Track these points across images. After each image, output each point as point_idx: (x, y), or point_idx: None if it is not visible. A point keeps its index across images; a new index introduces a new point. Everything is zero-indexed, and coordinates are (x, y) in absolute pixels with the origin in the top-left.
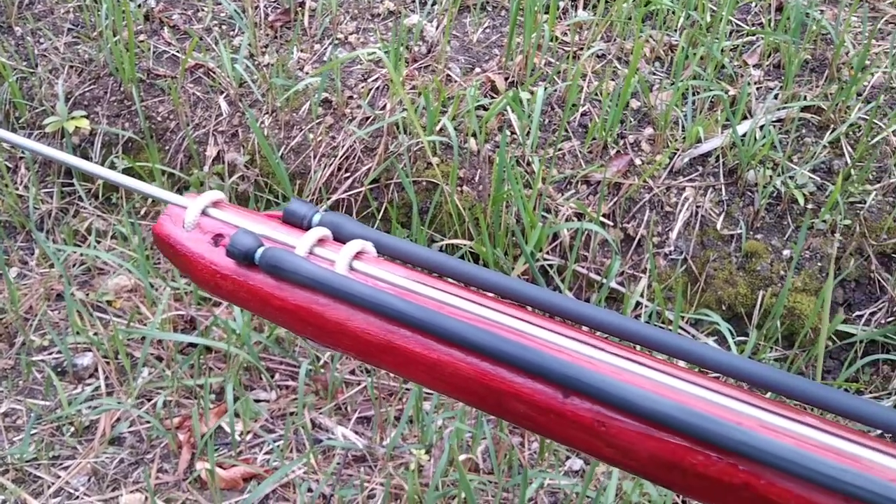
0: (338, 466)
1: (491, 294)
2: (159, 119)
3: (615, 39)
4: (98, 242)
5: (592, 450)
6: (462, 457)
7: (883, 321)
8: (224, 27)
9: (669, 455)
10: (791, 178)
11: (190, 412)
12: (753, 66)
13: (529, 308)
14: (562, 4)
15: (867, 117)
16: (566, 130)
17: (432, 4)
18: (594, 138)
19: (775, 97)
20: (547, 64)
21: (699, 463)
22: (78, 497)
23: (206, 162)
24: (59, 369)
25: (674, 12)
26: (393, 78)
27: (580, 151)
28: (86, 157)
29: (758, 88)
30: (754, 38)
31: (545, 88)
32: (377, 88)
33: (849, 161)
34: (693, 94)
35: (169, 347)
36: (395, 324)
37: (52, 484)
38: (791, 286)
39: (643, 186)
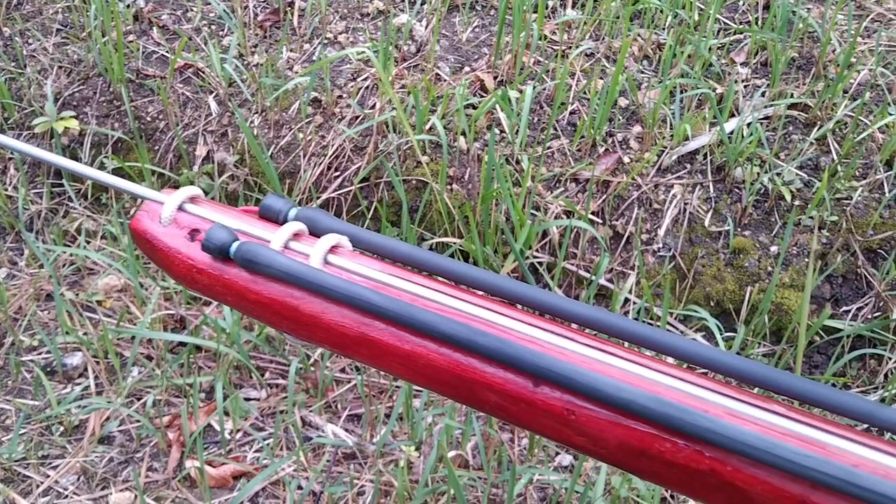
0: (327, 464)
1: (464, 286)
2: (149, 119)
3: (604, 38)
4: (88, 242)
5: (563, 438)
6: (452, 453)
7: (870, 316)
8: (213, 27)
9: (637, 442)
10: (778, 174)
11: (180, 411)
12: (741, 64)
13: (507, 302)
14: (550, 3)
15: (853, 114)
16: (555, 129)
17: (421, 4)
18: (583, 136)
19: (762, 95)
20: (536, 63)
21: (667, 450)
22: (67, 496)
23: (195, 162)
24: (48, 369)
25: (662, 11)
26: (382, 77)
27: (569, 150)
28: (75, 157)
29: (745, 86)
30: (742, 36)
31: (534, 87)
32: (367, 88)
33: (835, 157)
34: (681, 92)
35: (159, 347)
36: (369, 316)
37: (41, 483)
38: (778, 282)
39: (632, 184)
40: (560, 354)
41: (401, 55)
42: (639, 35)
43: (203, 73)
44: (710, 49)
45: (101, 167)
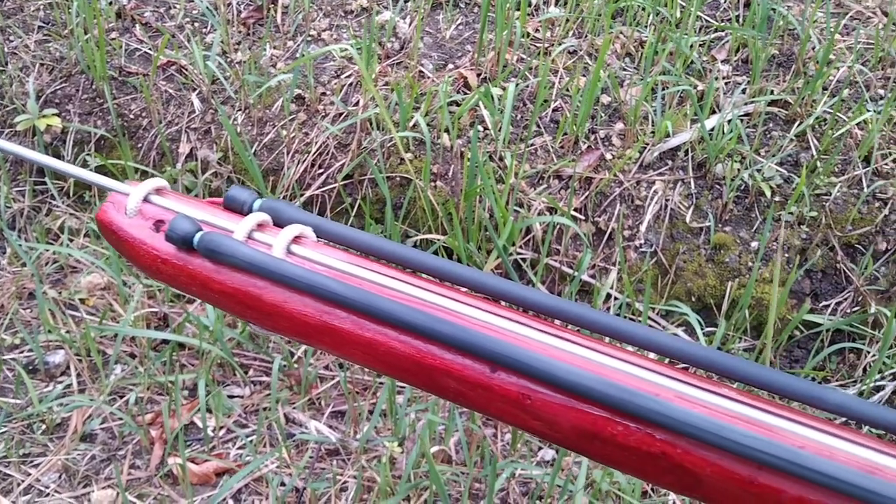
0: (310, 460)
1: (427, 275)
2: (132, 117)
3: (586, 36)
4: (71, 240)
5: (520, 423)
6: (434, 448)
7: (848, 310)
8: (196, 24)
9: (590, 426)
10: (758, 170)
11: (162, 408)
12: (722, 61)
13: (467, 290)
14: (533, 1)
15: (832, 111)
16: (538, 126)
17: (405, 1)
18: (565, 133)
19: (743, 91)
20: (519, 60)
21: (619, 433)
22: (49, 494)
23: (178, 159)
24: (30, 367)
25: (644, 8)
26: (364, 75)
27: (552, 146)
28: (57, 155)
29: (726, 83)
30: (723, 33)
31: (517, 84)
32: (350, 85)
33: (815, 154)
34: (662, 90)
35: (142, 344)
36: (331, 305)
37: (22, 482)
38: (758, 277)
39: (614, 181)
40: (516, 340)
41: (384, 52)
42: (621, 32)
43: (186, 70)
44: (691, 46)
45: (84, 165)
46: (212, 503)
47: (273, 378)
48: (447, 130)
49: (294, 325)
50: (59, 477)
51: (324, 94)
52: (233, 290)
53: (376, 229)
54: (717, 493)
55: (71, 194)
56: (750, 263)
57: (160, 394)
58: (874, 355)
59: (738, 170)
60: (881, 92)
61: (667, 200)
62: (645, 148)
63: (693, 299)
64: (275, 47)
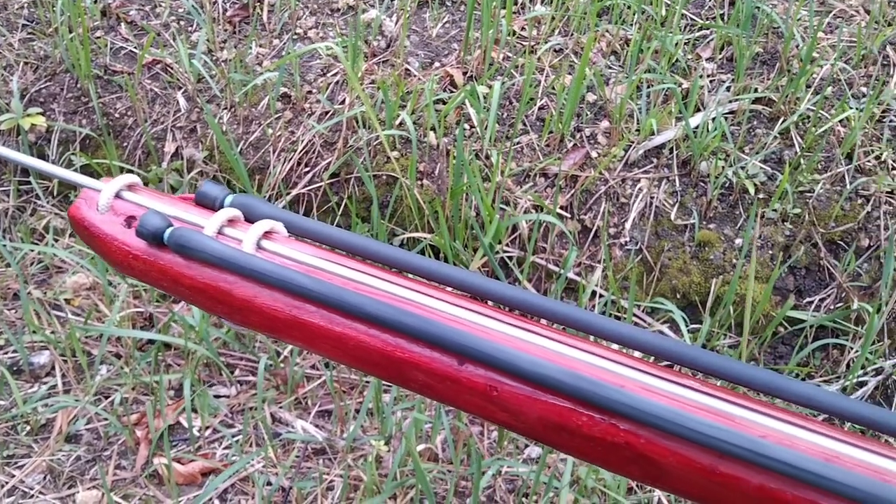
0: (297, 459)
1: (401, 271)
2: (117, 115)
3: (572, 34)
4: (56, 240)
5: (488, 415)
6: (421, 447)
7: (832, 307)
8: (182, 23)
9: (556, 417)
10: (742, 168)
11: (147, 408)
12: (707, 59)
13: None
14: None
15: (815, 108)
16: (524, 124)
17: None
18: (551, 132)
19: (727, 89)
20: (505, 59)
21: (583, 424)
22: (33, 496)
23: (164, 158)
24: (14, 368)
25: (629, 6)
26: (349, 73)
27: (538, 145)
28: (42, 154)
29: (710, 81)
30: (708, 31)
31: (503, 83)
32: (336, 83)
33: (798, 151)
34: (647, 88)
35: (127, 344)
36: (300, 300)
37: (6, 483)
38: (742, 274)
39: (599, 178)
40: (484, 333)
41: (370, 50)
42: (606, 31)
43: (171, 68)
44: (676, 44)
45: (70, 164)
46: (198, 503)
47: (259, 377)
48: (433, 129)
49: (264, 319)
50: (44, 478)
51: (310, 92)
52: (203, 285)
53: (363, 228)
54: (681, 482)
55: (55, 194)
56: (734, 260)
57: (146, 394)
58: (857, 351)
59: (723, 167)
60: (864, 90)
61: (652, 198)
62: (630, 146)
63: (678, 296)
64: (261, 45)
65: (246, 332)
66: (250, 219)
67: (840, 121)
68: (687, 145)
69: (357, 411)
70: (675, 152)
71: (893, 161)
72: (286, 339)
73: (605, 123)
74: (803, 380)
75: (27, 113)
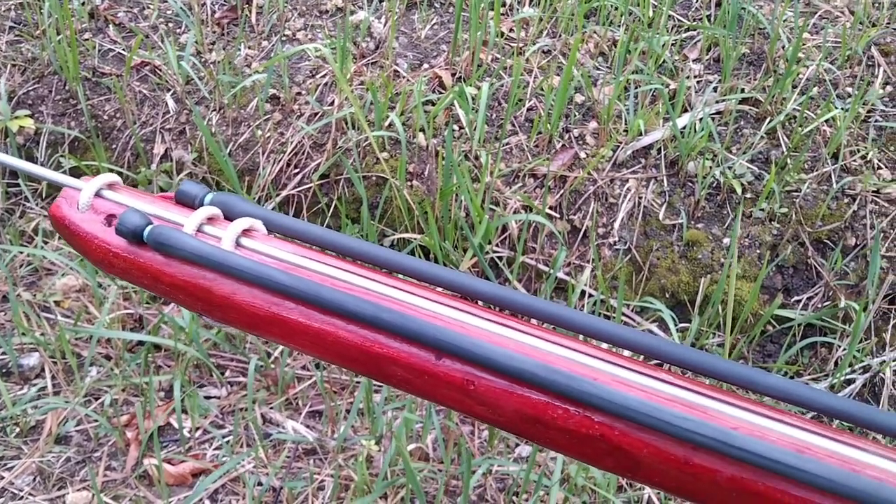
0: (287, 459)
1: (373, 266)
2: (105, 118)
3: (560, 35)
4: (45, 243)
5: (465, 408)
6: (412, 446)
7: (819, 305)
8: (170, 24)
9: (532, 410)
10: (730, 168)
11: (136, 409)
12: (693, 60)
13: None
14: (507, 1)
15: (801, 108)
16: (512, 125)
17: (380, 1)
18: (540, 132)
19: (714, 90)
20: (493, 60)
21: (559, 416)
22: (22, 497)
23: (153, 160)
24: (3, 370)
25: (616, 8)
26: (338, 75)
27: (526, 145)
28: (31, 157)
29: (697, 82)
30: (695, 32)
31: (491, 84)
32: (325, 84)
33: (785, 151)
34: (635, 88)
35: (117, 346)
36: (279, 296)
37: None
38: (730, 273)
39: (588, 179)
40: (461, 328)
41: (359, 52)
42: (594, 32)
43: (160, 70)
44: (663, 45)
45: (58, 166)
46: (188, 503)
47: (250, 378)
48: (422, 130)
49: (243, 316)
50: (34, 480)
51: (299, 93)
52: (183, 283)
53: (353, 229)
54: (656, 474)
55: (44, 196)
56: (722, 259)
57: (136, 395)
58: (844, 349)
59: (710, 167)
60: (849, 90)
61: (640, 198)
62: (618, 146)
63: (667, 295)
64: (249, 47)
65: (236, 332)
66: (230, 217)
67: (826, 121)
68: (674, 145)
69: (348, 411)
70: (662, 152)
71: (879, 160)
72: (266, 336)
73: (593, 124)
74: (791, 377)
75: (15, 115)
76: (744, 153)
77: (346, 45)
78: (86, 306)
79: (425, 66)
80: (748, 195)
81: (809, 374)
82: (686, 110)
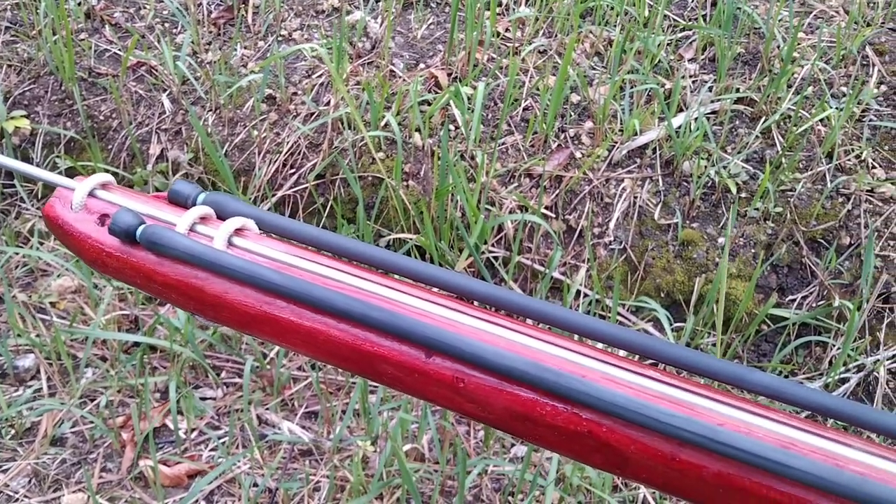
0: (283, 460)
1: (372, 267)
2: (101, 118)
3: (556, 35)
4: (41, 244)
5: (455, 406)
6: (407, 447)
7: (814, 304)
8: (167, 25)
9: (521, 407)
10: (725, 167)
11: (132, 411)
12: (689, 59)
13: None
14: (503, 1)
15: (796, 108)
16: (508, 125)
17: (376, 1)
18: (535, 132)
19: (709, 90)
20: (489, 60)
21: (547, 413)
22: (18, 499)
23: (149, 160)
24: None
25: (612, 8)
26: (334, 75)
27: (522, 145)
28: (27, 157)
29: (693, 81)
30: (690, 32)
31: (487, 84)
32: (321, 84)
33: (780, 150)
34: (630, 88)
35: (113, 347)
36: (271, 295)
37: None
38: (727, 271)
39: (583, 179)
40: (450, 326)
41: (355, 52)
42: (590, 32)
43: (156, 71)
44: (658, 45)
45: (54, 167)
46: None
47: (245, 379)
48: (418, 130)
49: (235, 315)
50: (29, 481)
51: (295, 93)
52: (175, 282)
53: (349, 229)
54: (643, 470)
55: (40, 197)
56: (717, 259)
57: (131, 396)
58: (839, 348)
59: (705, 167)
60: (843, 89)
61: (635, 198)
62: (614, 146)
63: (662, 295)
64: (245, 47)
65: (232, 334)
66: (222, 216)
67: (820, 120)
68: (670, 145)
69: (343, 412)
70: (658, 152)
71: (873, 160)
72: (258, 335)
73: (588, 124)
74: (786, 377)
75: (11, 116)
76: (739, 153)
77: (343, 45)
78: (81, 307)
79: (421, 66)
80: (743, 194)
81: (804, 374)
82: (681, 110)
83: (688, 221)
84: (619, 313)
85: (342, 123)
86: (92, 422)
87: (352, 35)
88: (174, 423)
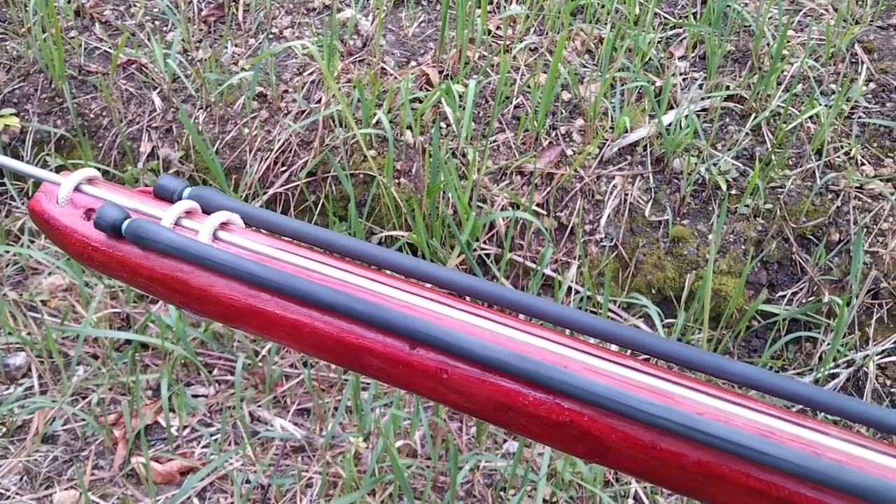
0: (275, 457)
1: (353, 259)
2: (92, 116)
3: (547, 33)
4: (31, 242)
5: (439, 397)
6: (399, 443)
7: (804, 300)
8: (157, 23)
9: (504, 397)
10: (715, 164)
11: (123, 408)
12: (679, 57)
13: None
14: None
15: (785, 105)
16: (500, 122)
17: None
18: (527, 130)
19: (700, 87)
20: (481, 57)
21: (530, 403)
22: (9, 497)
23: (140, 158)
24: None
25: (603, 6)
26: (325, 72)
27: (514, 143)
28: (17, 155)
29: (683, 79)
30: (681, 30)
31: (478, 81)
32: (312, 82)
33: (769, 147)
34: (621, 86)
35: (104, 345)
36: (255, 288)
37: None
38: (716, 269)
39: (574, 176)
40: (434, 318)
41: (346, 50)
42: (581, 30)
43: (146, 68)
44: (649, 43)
45: (45, 165)
46: (176, 501)
47: (237, 377)
48: (410, 127)
49: (221, 308)
50: (21, 479)
51: (286, 91)
52: (161, 276)
53: (340, 227)
54: (625, 459)
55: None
56: (708, 255)
57: (123, 394)
58: (829, 344)
59: (695, 164)
60: (833, 87)
61: (626, 195)
62: (604, 144)
63: (653, 291)
64: (236, 45)
65: (223, 331)
66: (208, 211)
67: (810, 117)
68: (660, 143)
69: (336, 409)
70: (648, 150)
71: (862, 157)
72: (243, 328)
73: (579, 121)
74: (776, 372)
75: (0, 114)
76: (729, 150)
77: (334, 42)
78: (73, 305)
79: (412, 63)
80: (733, 191)
81: (794, 369)
82: (672, 107)
83: (678, 218)
84: (610, 310)
85: (333, 121)
86: (84, 419)
87: (343, 33)
88: (166, 421)
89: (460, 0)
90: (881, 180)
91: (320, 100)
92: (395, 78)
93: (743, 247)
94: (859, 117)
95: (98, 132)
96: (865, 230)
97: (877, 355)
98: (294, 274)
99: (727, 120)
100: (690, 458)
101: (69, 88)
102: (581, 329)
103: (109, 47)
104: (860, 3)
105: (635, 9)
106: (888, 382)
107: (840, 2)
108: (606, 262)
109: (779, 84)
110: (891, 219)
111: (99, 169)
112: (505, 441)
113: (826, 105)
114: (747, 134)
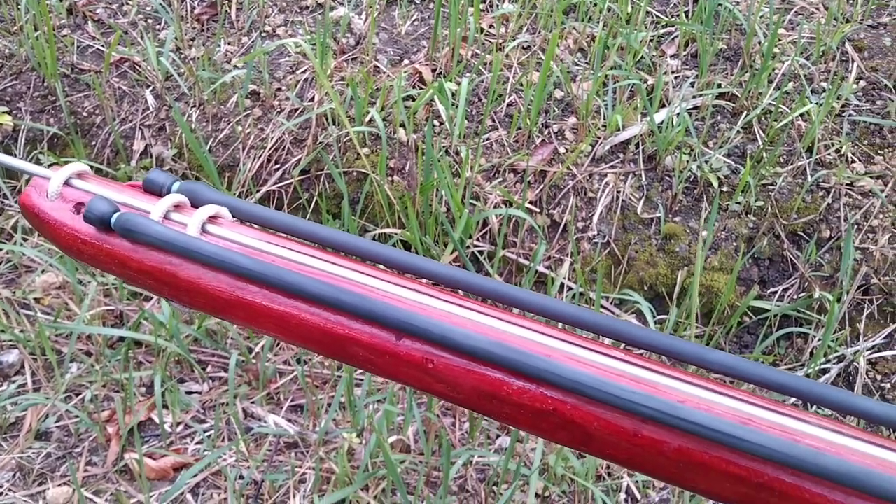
0: (269, 453)
1: (341, 253)
2: (84, 114)
3: (539, 31)
4: (25, 240)
5: (425, 386)
6: (392, 438)
7: (795, 296)
8: (150, 21)
9: (488, 386)
10: (706, 162)
11: (116, 405)
12: (671, 55)
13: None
14: None
15: (776, 103)
16: (493, 120)
17: None
18: (519, 128)
19: (691, 85)
20: (473, 56)
21: (514, 392)
22: (2, 493)
23: (133, 156)
24: None
25: (595, 4)
26: (317, 70)
27: (506, 140)
28: (9, 153)
29: (675, 77)
30: (673, 28)
31: (471, 79)
32: (305, 80)
33: (760, 145)
34: (613, 84)
35: (97, 342)
36: (243, 280)
37: None
38: (707, 265)
39: (567, 173)
40: (420, 309)
41: (339, 48)
42: (573, 28)
43: (139, 67)
44: (641, 41)
45: (37, 163)
46: (169, 497)
47: (231, 373)
48: (403, 125)
49: (209, 300)
50: (13, 476)
51: (279, 89)
52: (150, 269)
53: (334, 224)
54: (607, 446)
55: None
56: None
57: (116, 391)
58: (820, 339)
59: (687, 161)
60: (823, 85)
61: (618, 192)
62: (597, 141)
63: (645, 288)
64: (229, 43)
65: (217, 328)
66: (196, 204)
67: (801, 115)
68: (652, 140)
69: (329, 405)
70: (640, 147)
71: (852, 154)
72: (231, 319)
73: (572, 119)
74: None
75: None
76: (720, 147)
77: (327, 40)
78: (66, 303)
79: (405, 61)
80: (725, 189)
81: (785, 364)
82: (663, 105)
83: (670, 215)
84: (602, 306)
85: (326, 119)
86: (77, 416)
87: (336, 31)
88: (159, 417)
89: None
90: (871, 177)
91: (313, 98)
92: (388, 76)
93: (734, 243)
94: (850, 115)
95: (91, 130)
96: (856, 227)
97: (867, 351)
98: (281, 266)
99: (719, 118)
100: (672, 445)
101: (62, 86)
102: (562, 319)
103: (102, 45)
104: (851, 1)
105: (627, 7)
106: (878, 378)
107: (831, 0)
108: (599, 259)
109: (770, 82)
110: (881, 215)
111: (92, 167)
112: (498, 436)
113: (817, 103)
114: (739, 132)
